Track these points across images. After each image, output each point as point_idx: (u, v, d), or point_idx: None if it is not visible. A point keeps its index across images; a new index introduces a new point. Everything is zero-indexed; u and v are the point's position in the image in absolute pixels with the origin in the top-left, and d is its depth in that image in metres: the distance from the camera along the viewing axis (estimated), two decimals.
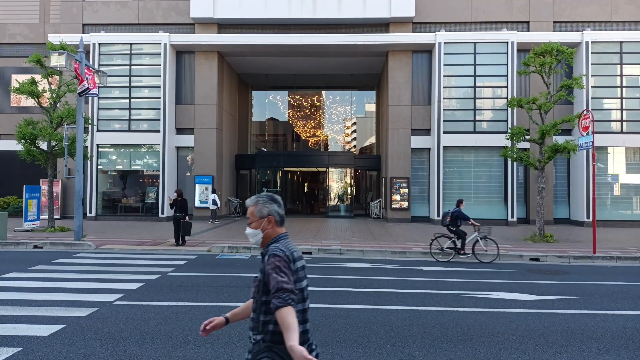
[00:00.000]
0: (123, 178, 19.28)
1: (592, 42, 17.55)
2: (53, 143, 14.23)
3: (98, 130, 18.37)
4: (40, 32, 19.79)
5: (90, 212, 18.20)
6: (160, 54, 18.32)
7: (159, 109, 18.32)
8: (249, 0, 18.39)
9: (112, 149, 19.00)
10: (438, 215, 17.63)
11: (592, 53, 17.58)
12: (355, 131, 33.62)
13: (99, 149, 18.68)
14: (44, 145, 14.62)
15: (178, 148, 19.28)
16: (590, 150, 12.80)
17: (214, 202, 17.61)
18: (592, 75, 17.52)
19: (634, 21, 18.14)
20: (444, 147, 17.93)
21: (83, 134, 12.79)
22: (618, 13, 18.12)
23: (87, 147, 16.10)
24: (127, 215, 18.71)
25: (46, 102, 15.03)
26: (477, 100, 18.13)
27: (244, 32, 18.88)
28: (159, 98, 18.31)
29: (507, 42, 17.81)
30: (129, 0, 18.99)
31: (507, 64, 17.85)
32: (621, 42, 17.63)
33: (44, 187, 16.85)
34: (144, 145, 18.81)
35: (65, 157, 13.19)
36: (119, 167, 19.15)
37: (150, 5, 18.95)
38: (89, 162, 17.68)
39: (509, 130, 14.72)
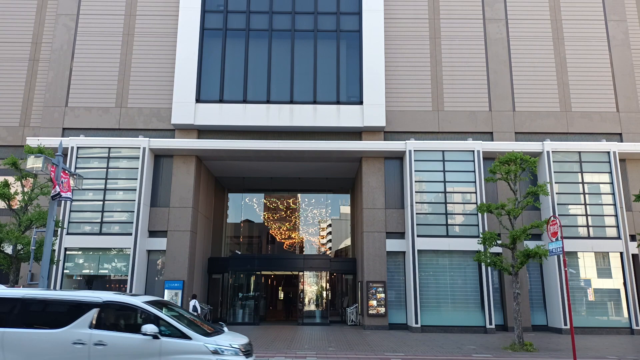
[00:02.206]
0: (89, 283, 18.49)
1: (552, 151, 18.67)
2: (19, 247, 13.76)
3: (68, 234, 17.93)
4: (19, 135, 20.01)
5: None
6: (138, 158, 18.59)
7: (133, 211, 18.17)
8: (228, 108, 19.22)
9: (80, 252, 18.43)
10: (416, 322, 17.23)
11: (553, 162, 18.62)
12: (330, 233, 33.67)
13: (67, 253, 18.10)
14: (9, 249, 14.11)
15: (149, 251, 18.84)
16: (561, 256, 13.03)
17: (194, 309, 16.84)
18: (555, 182, 18.39)
19: (588, 133, 19.51)
20: (418, 250, 18.03)
21: (52, 238, 12.46)
22: (574, 126, 19.53)
23: (54, 250, 15.60)
24: None
25: (16, 205, 14.78)
26: (448, 205, 18.63)
27: (223, 137, 19.48)
28: (134, 200, 18.25)
29: (474, 151, 18.78)
30: (112, 107, 19.62)
31: (474, 171, 18.67)
32: (579, 152, 18.81)
33: None
34: (114, 248, 18.35)
35: (30, 261, 12.69)
36: (86, 272, 18.45)
37: (132, 112, 19.59)
38: (54, 267, 17.01)
39: (481, 235, 15.00)
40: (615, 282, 18.08)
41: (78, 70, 19.90)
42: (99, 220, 18.31)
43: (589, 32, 20.43)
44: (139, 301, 7.26)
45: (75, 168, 18.22)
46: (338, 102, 19.41)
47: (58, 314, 7.29)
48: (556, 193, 18.34)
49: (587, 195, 18.52)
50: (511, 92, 19.88)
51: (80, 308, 7.12)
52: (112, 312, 7.32)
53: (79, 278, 18.49)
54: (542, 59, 20.19)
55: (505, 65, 20.10)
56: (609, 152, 18.68)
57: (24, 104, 20.53)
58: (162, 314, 7.09)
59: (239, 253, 27.37)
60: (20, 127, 20.24)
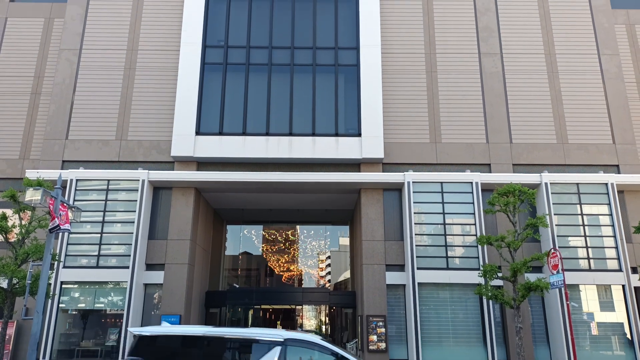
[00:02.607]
0: (84, 318, 18.19)
1: (550, 183, 18.73)
2: (15, 281, 13.60)
3: (64, 267, 17.75)
4: (18, 168, 20.06)
5: (44, 357, 16.77)
6: (137, 190, 18.59)
7: (130, 244, 18.05)
8: (228, 141, 19.34)
9: (76, 286, 18.20)
10: (417, 358, 16.89)
11: (552, 193, 18.65)
12: (329, 265, 33.39)
13: (63, 286, 17.87)
14: (4, 283, 13.94)
15: (146, 285, 18.61)
16: (563, 289, 12.92)
17: None
18: (555, 214, 18.37)
19: (586, 165, 19.62)
20: (419, 283, 17.84)
21: (48, 271, 12.33)
22: (570, 157, 19.66)
23: (50, 284, 15.41)
24: None
25: (13, 238, 14.69)
26: (447, 237, 18.54)
27: (222, 169, 19.54)
28: (132, 233, 18.14)
29: (472, 182, 18.84)
30: (112, 140, 19.74)
31: (473, 202, 18.67)
32: (577, 184, 18.86)
33: None
34: (110, 282, 18.13)
35: (26, 296, 12.52)
36: (82, 306, 18.17)
37: (132, 144, 19.70)
38: (49, 301, 16.77)
39: (481, 268, 14.89)
40: (618, 315, 17.83)
41: (79, 104, 20.12)
42: (96, 253, 18.16)
43: (583, 65, 20.82)
44: (317, 338, 7.62)
45: (74, 200, 18.19)
46: (337, 134, 19.57)
47: (235, 351, 7.40)
48: (555, 225, 18.29)
49: (586, 227, 18.48)
50: (508, 124, 20.09)
51: (261, 345, 7.19)
52: (293, 349, 7.45)
53: (74, 312, 18.20)
54: (538, 92, 20.49)
55: (501, 98, 20.38)
56: (607, 184, 18.75)
57: (25, 137, 20.67)
58: (340, 350, 7.35)
59: (237, 286, 27.07)
60: (20, 160, 20.31)
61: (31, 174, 17.75)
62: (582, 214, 18.62)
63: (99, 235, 18.32)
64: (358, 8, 20.83)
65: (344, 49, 20.64)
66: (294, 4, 21.07)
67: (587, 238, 18.35)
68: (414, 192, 18.80)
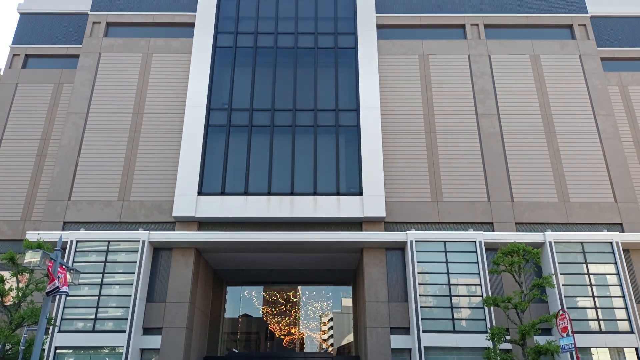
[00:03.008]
0: None
1: (554, 242, 18.53)
2: (8, 346, 13.20)
3: (59, 332, 17.24)
4: (19, 230, 20.01)
5: None
6: (137, 251, 18.40)
7: (128, 307, 17.63)
8: (230, 200, 19.39)
9: (71, 352, 17.58)
10: None
11: (556, 252, 18.41)
12: (332, 328, 32.42)
13: (57, 352, 17.26)
14: None
15: (142, 350, 17.97)
16: (574, 353, 12.48)
17: None
18: (561, 274, 18.04)
19: (589, 223, 19.52)
20: (425, 347, 17.22)
21: (43, 337, 11.98)
22: (573, 216, 19.59)
23: (44, 349, 14.94)
24: None
25: (9, 301, 14.41)
26: (453, 298, 18.12)
27: (223, 229, 19.46)
28: (130, 295, 17.77)
29: (475, 241, 18.65)
30: (114, 200, 19.80)
31: (477, 262, 18.40)
32: (582, 242, 18.66)
33: None
34: (106, 347, 17.54)
35: None
36: None
37: (134, 205, 19.75)
38: None
39: (489, 330, 14.45)
40: None
41: (83, 165, 20.36)
42: (93, 317, 17.69)
43: (580, 125, 21.21)
44: None
45: (73, 262, 17.97)
46: (338, 193, 19.64)
47: None
48: (562, 285, 17.91)
49: (594, 287, 18.09)
50: (508, 183, 20.19)
51: None
52: None
53: None
54: (536, 152, 20.75)
55: (500, 158, 20.62)
56: (611, 243, 18.54)
57: (27, 198, 20.77)
58: None
59: (236, 351, 26.17)
60: (22, 221, 20.28)
61: (32, 236, 17.63)
62: (588, 274, 18.29)
63: (97, 297, 17.94)
64: (357, 72, 21.55)
65: (345, 110, 21.15)
66: (296, 69, 21.83)
67: (596, 298, 17.92)
68: (417, 251, 18.58)
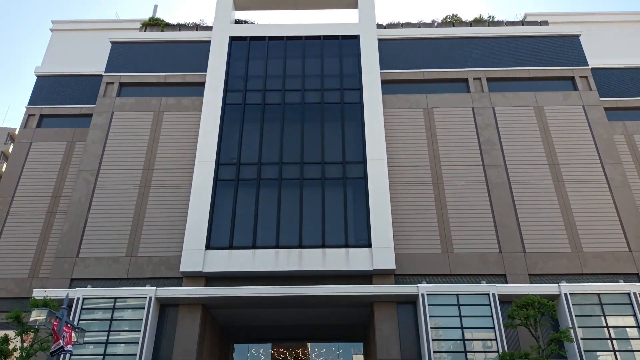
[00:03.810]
0: None
1: (570, 293, 18.02)
2: None
3: None
4: (26, 287, 19.88)
5: None
6: (143, 308, 18.11)
7: None
8: (238, 254, 19.25)
9: None
10: None
11: (573, 304, 17.86)
12: None
13: None
14: None
15: None
16: None
17: None
18: (578, 327, 17.41)
19: (604, 274, 19.05)
20: None
21: None
22: (587, 266, 19.17)
23: None
24: None
25: None
26: (468, 354, 17.46)
27: (231, 284, 19.20)
28: (135, 354, 17.32)
29: (489, 294, 18.19)
30: (122, 256, 19.74)
31: (492, 316, 17.85)
32: (598, 294, 18.14)
33: None
34: None
35: None
36: None
37: (142, 260, 19.65)
38: None
39: None
40: None
41: (93, 221, 20.46)
42: None
43: (588, 175, 21.16)
44: None
45: (79, 320, 17.69)
46: (347, 246, 19.46)
47: None
48: (581, 339, 17.24)
49: (614, 341, 17.40)
50: (519, 233, 19.95)
51: None
52: None
53: None
54: (546, 201, 20.62)
55: (510, 208, 20.48)
56: (629, 294, 18.01)
57: (36, 256, 20.78)
58: None
59: None
60: (29, 279, 20.19)
61: (38, 294, 17.48)
62: (607, 327, 17.64)
63: (102, 357, 17.50)
64: (363, 125, 21.92)
65: (352, 163, 21.34)
66: (303, 123, 22.28)
67: (617, 353, 17.19)
68: (429, 305, 18.11)
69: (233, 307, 19.88)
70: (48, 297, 14.28)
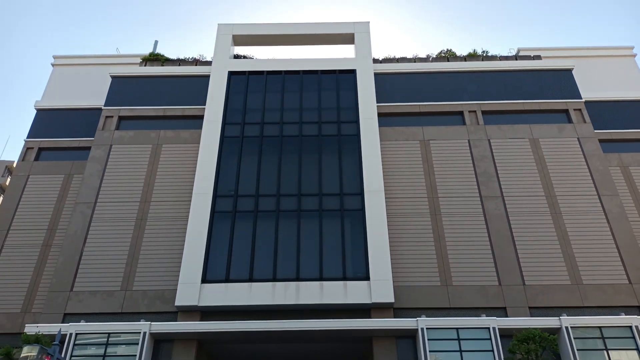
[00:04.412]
0: None
1: (571, 327, 17.75)
2: None
3: None
4: (18, 322, 19.49)
5: None
6: (137, 344, 17.71)
7: None
8: (234, 288, 19.00)
9: None
10: None
11: (574, 338, 17.56)
12: None
13: None
14: None
15: None
16: None
17: None
18: None
19: (605, 306, 18.82)
20: None
21: None
22: (588, 299, 18.97)
23: None
24: None
25: None
26: None
27: (227, 318, 18.86)
28: None
29: (489, 328, 17.89)
30: (117, 290, 19.46)
31: (492, 350, 17.48)
32: (600, 327, 17.87)
33: None
34: None
35: None
36: None
37: (137, 294, 19.37)
38: None
39: None
40: None
41: (88, 255, 20.27)
42: None
43: (585, 206, 21.19)
44: None
45: (71, 356, 17.25)
46: (345, 278, 19.24)
47: None
48: None
49: None
50: (518, 266, 19.81)
51: None
52: None
53: None
54: (544, 233, 20.56)
55: (508, 240, 20.41)
56: (631, 327, 17.75)
57: (29, 290, 20.48)
58: None
59: None
60: (21, 314, 19.83)
61: (30, 329, 17.14)
62: None
63: None
64: (360, 157, 22.05)
65: (349, 194, 21.36)
66: (301, 155, 22.41)
67: None
68: (429, 339, 17.78)
69: (229, 342, 19.47)
70: (40, 333, 14.02)
